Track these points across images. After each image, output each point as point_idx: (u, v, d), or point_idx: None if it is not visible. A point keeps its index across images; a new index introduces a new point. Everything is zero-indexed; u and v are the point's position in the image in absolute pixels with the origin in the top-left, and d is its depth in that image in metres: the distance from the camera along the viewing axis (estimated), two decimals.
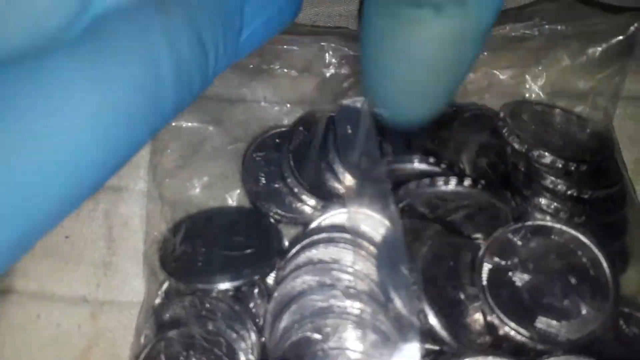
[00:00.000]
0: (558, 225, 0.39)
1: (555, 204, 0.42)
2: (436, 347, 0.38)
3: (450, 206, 0.41)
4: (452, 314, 0.39)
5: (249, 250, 0.41)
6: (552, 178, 0.42)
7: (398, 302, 0.38)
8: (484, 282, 0.39)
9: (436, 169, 0.41)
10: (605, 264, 0.39)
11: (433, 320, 0.38)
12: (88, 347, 0.45)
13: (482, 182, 0.39)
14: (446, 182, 0.40)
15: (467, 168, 0.44)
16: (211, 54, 0.26)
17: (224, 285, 0.40)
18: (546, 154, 0.42)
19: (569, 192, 0.42)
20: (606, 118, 0.47)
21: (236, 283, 0.40)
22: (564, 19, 0.44)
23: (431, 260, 0.40)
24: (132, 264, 0.46)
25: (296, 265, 0.40)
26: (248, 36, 0.29)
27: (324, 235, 0.41)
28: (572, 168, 0.42)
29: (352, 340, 0.38)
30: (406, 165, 0.41)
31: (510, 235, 0.40)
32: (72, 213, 0.45)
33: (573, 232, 0.39)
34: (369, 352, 0.37)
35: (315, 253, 0.40)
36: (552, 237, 0.40)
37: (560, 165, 0.42)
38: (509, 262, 0.39)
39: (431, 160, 0.41)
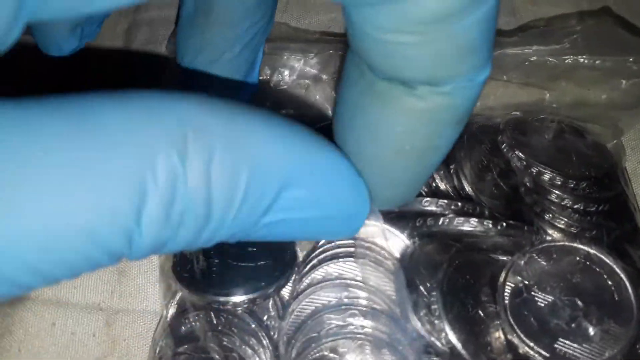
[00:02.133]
0: (582, 247, 0.38)
1: (565, 219, 0.41)
2: None
3: (470, 240, 0.41)
4: (473, 332, 0.38)
5: (262, 262, 0.40)
6: (558, 193, 0.42)
7: (417, 323, 0.37)
8: (506, 301, 0.38)
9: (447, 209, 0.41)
10: (629, 287, 0.38)
11: (453, 338, 0.37)
12: (103, 355, 0.45)
13: (503, 223, 0.40)
14: (465, 222, 0.40)
15: (471, 182, 0.44)
16: None
17: (239, 298, 0.39)
18: (546, 171, 0.42)
19: (575, 206, 0.42)
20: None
21: (251, 296, 0.39)
22: (594, 47, 0.43)
23: (451, 277, 0.39)
24: (146, 271, 0.46)
25: (313, 280, 0.40)
26: None
27: (341, 249, 0.40)
28: (572, 185, 0.42)
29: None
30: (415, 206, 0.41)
31: (534, 255, 0.39)
32: None
33: (598, 254, 0.38)
34: None
35: (332, 268, 0.40)
36: (577, 258, 0.39)
37: (559, 182, 0.42)
38: (532, 282, 0.38)
39: (440, 203, 0.41)
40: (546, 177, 0.42)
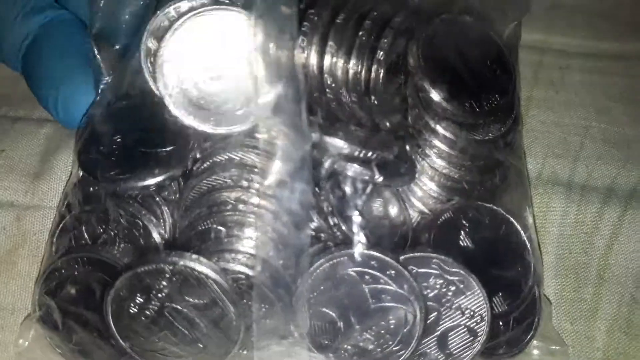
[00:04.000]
0: None
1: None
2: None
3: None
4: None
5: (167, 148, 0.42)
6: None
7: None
8: None
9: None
10: None
11: None
12: (14, 248, 0.47)
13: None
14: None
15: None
16: None
17: (145, 183, 0.41)
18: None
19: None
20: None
21: (158, 179, 0.41)
22: None
23: None
24: (63, 173, 0.48)
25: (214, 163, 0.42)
26: None
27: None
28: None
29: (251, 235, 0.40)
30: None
31: None
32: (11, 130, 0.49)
33: None
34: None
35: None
36: None
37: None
38: None
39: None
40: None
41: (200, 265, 0.35)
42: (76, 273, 0.39)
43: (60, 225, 0.42)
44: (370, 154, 0.39)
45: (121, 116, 0.43)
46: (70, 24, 0.50)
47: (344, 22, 0.41)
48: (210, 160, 0.42)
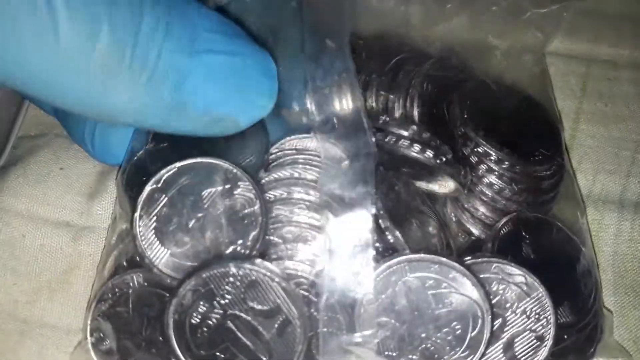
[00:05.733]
0: None
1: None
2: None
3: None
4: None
5: None
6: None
7: None
8: None
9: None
10: None
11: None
12: (70, 268, 0.47)
13: (443, 158, 0.41)
14: (410, 146, 0.42)
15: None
16: None
17: None
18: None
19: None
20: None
21: None
22: None
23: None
24: (114, 193, 0.49)
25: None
26: None
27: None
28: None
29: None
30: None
31: None
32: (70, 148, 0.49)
33: None
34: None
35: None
36: None
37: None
38: None
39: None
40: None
41: (267, 267, 0.35)
42: (130, 291, 0.39)
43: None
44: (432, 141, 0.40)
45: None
46: None
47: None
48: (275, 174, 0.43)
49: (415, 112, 0.47)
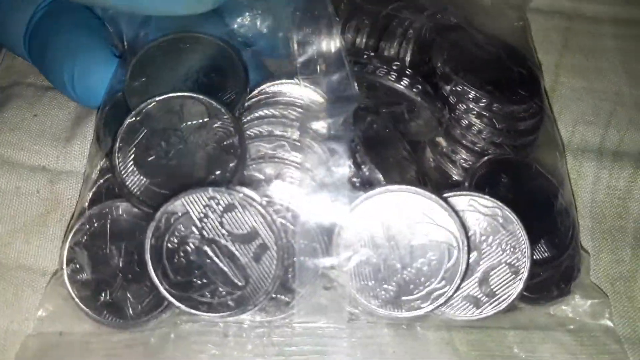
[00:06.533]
0: None
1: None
2: None
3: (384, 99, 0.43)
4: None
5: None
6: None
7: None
8: None
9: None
10: None
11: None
12: (46, 211, 0.47)
13: (419, 87, 0.42)
14: (387, 75, 0.42)
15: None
16: None
17: None
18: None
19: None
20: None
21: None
22: None
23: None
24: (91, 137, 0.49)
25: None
26: None
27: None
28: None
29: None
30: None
31: None
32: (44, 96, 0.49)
33: None
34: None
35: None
36: None
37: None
38: None
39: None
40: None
41: (245, 191, 0.35)
42: (109, 222, 0.39)
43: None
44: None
45: None
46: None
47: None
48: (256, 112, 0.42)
49: (407, 58, 0.47)
